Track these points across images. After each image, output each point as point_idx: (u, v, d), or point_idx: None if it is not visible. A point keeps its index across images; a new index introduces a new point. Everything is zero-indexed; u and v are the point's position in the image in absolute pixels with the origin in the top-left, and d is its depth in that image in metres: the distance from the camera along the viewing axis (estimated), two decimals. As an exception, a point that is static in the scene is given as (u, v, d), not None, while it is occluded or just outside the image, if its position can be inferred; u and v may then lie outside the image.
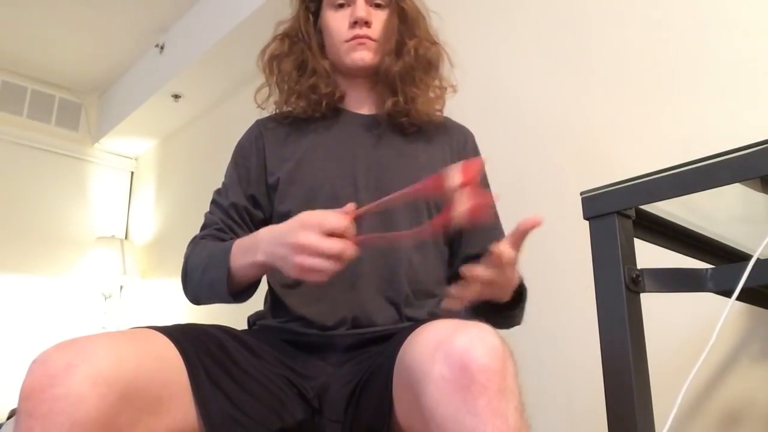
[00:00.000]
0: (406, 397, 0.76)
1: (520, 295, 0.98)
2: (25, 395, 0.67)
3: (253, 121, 1.21)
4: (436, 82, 1.17)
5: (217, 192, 1.16)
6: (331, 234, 0.83)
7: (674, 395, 0.69)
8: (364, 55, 1.11)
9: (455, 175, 0.79)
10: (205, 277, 1.00)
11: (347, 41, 1.12)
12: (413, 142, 1.14)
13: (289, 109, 1.16)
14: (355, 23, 1.11)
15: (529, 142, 1.69)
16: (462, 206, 0.78)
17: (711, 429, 1.23)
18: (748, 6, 1.33)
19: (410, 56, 1.12)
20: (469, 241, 1.11)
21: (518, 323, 1.05)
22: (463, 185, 0.79)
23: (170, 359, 0.79)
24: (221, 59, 2.76)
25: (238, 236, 1.07)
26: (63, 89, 3.56)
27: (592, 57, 1.60)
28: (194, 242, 1.09)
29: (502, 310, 0.97)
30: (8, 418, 2.21)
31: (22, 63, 3.33)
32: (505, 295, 0.92)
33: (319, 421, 0.91)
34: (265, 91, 1.18)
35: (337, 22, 1.13)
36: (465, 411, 0.64)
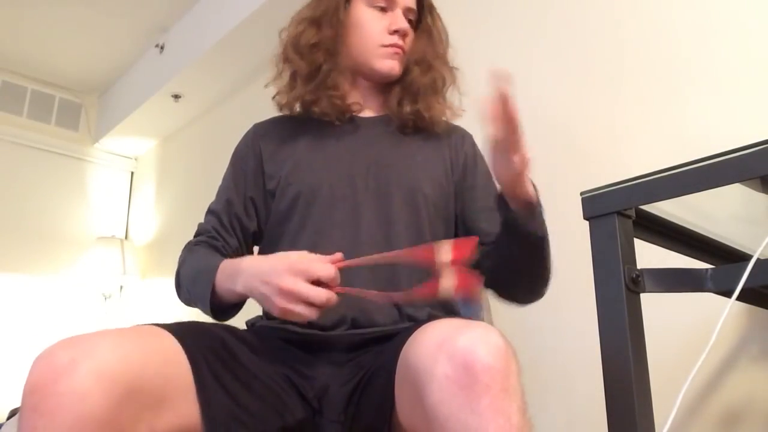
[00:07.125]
0: (408, 397, 0.76)
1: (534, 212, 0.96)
2: (28, 391, 0.67)
3: (252, 123, 1.21)
4: (447, 102, 1.19)
5: (212, 202, 1.17)
6: (317, 281, 0.84)
7: (674, 395, 0.69)
8: (395, 65, 1.14)
9: (446, 251, 0.79)
10: (193, 290, 1.03)
11: (384, 47, 1.12)
12: (412, 142, 1.14)
13: (288, 112, 1.16)
14: (395, 32, 1.12)
15: (529, 141, 1.68)
16: (449, 282, 0.78)
17: (711, 429, 1.23)
18: (748, 6, 1.33)
19: (435, 73, 1.15)
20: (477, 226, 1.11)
21: (546, 257, 1.01)
22: (453, 263, 0.79)
23: (174, 356, 0.80)
24: (221, 59, 2.75)
25: (228, 245, 1.10)
26: (63, 89, 3.56)
27: (592, 57, 1.60)
28: (187, 248, 1.11)
29: (524, 224, 0.94)
30: (8, 418, 2.21)
31: (22, 63, 3.32)
32: (522, 182, 0.91)
33: (319, 421, 0.91)
34: (276, 76, 1.16)
35: (377, 23, 1.13)
36: (468, 410, 0.64)
